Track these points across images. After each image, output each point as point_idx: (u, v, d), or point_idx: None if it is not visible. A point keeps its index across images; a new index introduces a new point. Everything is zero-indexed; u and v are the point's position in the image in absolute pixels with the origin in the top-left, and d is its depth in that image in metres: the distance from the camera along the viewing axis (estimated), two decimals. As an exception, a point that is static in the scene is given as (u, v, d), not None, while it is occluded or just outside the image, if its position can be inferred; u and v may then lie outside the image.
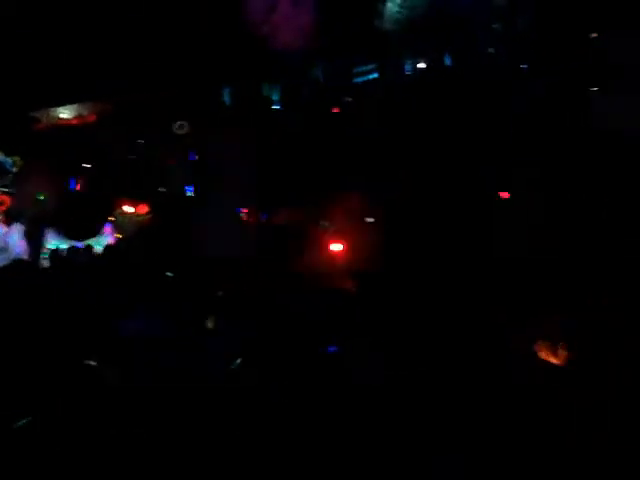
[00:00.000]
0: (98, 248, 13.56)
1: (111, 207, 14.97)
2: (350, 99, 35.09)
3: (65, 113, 46.48)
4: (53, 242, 14.02)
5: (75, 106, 45.15)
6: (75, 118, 46.01)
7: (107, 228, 14.26)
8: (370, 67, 41.58)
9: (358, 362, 5.84)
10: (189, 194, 15.87)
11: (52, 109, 45.83)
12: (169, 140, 30.75)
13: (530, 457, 4.59)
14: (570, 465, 4.49)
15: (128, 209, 14.62)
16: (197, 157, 25.09)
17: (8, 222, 14.47)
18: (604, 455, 4.33)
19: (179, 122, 35.29)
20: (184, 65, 38.16)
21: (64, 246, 13.62)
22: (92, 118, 44.43)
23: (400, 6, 41.59)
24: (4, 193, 15.02)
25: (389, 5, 42.37)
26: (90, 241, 14.03)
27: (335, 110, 31.90)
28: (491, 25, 37.18)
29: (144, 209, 14.82)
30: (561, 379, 5.35)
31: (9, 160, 15.43)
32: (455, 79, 33.64)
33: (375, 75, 41.05)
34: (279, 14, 42.29)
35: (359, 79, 40.99)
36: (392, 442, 4.80)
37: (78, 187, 15.18)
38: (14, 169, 15.37)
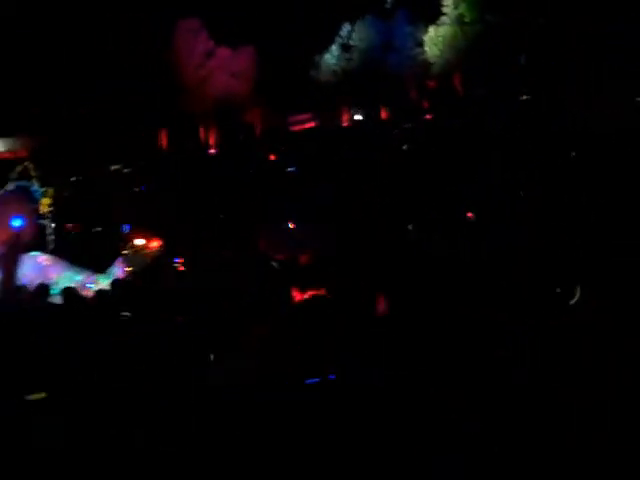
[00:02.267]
0: (106, 282, 12.87)
1: (123, 240, 14.28)
2: (283, 148, 35.24)
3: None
4: (64, 275, 13.15)
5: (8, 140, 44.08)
6: (7, 152, 44.92)
7: (118, 261, 13.56)
8: (305, 117, 42.07)
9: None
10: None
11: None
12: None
13: (528, 457, 4.40)
14: (567, 464, 4.32)
15: (139, 243, 13.95)
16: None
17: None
18: (604, 455, 4.17)
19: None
20: (123, 107, 37.90)
21: (77, 278, 12.79)
22: (22, 153, 43.50)
23: (337, 58, 42.52)
24: None
25: (326, 57, 43.28)
26: (101, 275, 13.25)
27: (271, 157, 31.83)
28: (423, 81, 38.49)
29: (155, 243, 14.16)
30: (557, 378, 5.18)
31: (40, 189, 14.55)
32: (390, 130, 34.31)
33: (311, 124, 41.53)
34: (217, 59, 42.61)
35: (296, 127, 41.33)
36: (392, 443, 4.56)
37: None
38: (42, 199, 14.51)
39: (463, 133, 24.70)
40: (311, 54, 46.18)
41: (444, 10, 35.78)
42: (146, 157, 36.35)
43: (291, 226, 15.13)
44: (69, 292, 8.98)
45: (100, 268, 13.19)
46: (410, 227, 13.61)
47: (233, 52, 45.47)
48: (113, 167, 34.24)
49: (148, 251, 13.94)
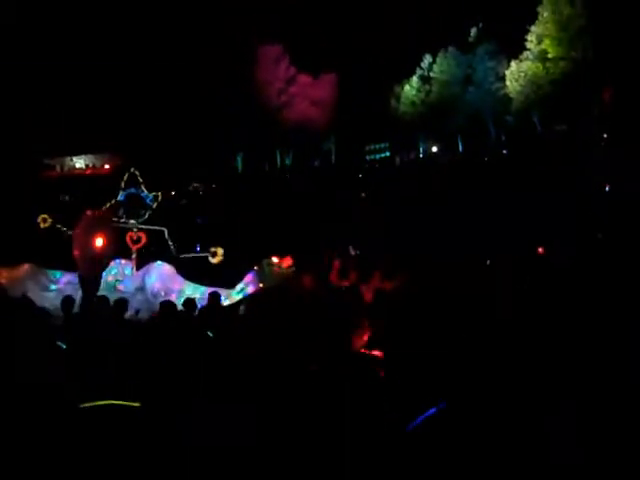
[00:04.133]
0: (238, 297, 12.91)
1: (257, 256, 14.33)
2: (360, 175, 35.30)
3: (80, 163, 47.64)
4: (187, 286, 13.26)
5: (89, 156, 46.24)
6: (88, 168, 47.06)
7: (249, 276, 13.49)
8: (382, 146, 42.23)
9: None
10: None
11: (67, 158, 47.08)
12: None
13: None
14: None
15: (274, 260, 14.00)
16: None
17: (142, 260, 13.81)
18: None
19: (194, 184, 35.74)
20: (199, 129, 39.08)
21: (201, 289, 12.92)
22: (105, 170, 45.43)
23: (417, 89, 42.52)
24: (141, 230, 14.27)
25: (406, 88, 43.35)
26: (233, 290, 13.31)
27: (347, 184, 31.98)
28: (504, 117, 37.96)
29: (288, 262, 14.16)
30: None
31: (150, 195, 14.83)
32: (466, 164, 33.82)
33: (387, 154, 41.61)
34: (298, 86, 43.39)
35: (371, 156, 41.48)
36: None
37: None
38: (154, 204, 14.80)
39: (538, 170, 24.28)
40: (391, 84, 46.60)
41: (527, 45, 35.38)
42: (224, 178, 36.99)
43: (353, 252, 14.99)
44: (190, 303, 9.20)
45: (220, 281, 13.07)
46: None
47: (314, 79, 46.37)
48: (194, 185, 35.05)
49: (282, 269, 13.81)
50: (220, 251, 13.70)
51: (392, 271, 11.64)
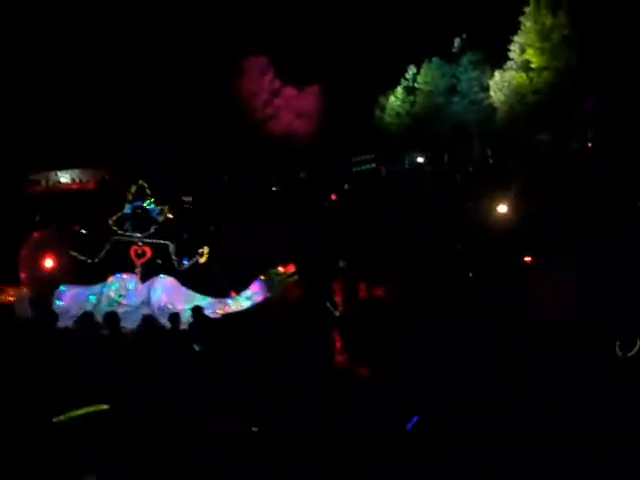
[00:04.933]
0: (246, 303, 12.77)
1: (263, 264, 14.11)
2: (347, 186, 35.12)
3: (65, 177, 47.26)
4: (192, 297, 12.97)
5: (75, 171, 45.87)
6: (74, 183, 46.69)
7: (256, 285, 13.30)
8: (368, 157, 42.14)
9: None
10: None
11: (52, 172, 46.69)
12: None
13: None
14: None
15: (280, 269, 13.85)
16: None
17: (147, 275, 13.47)
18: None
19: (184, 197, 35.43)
20: (187, 141, 38.93)
21: (207, 300, 12.67)
22: (91, 184, 45.11)
23: (402, 100, 42.64)
24: (146, 244, 13.97)
25: (391, 99, 43.47)
26: (240, 296, 13.09)
27: (333, 197, 31.68)
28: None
29: (291, 269, 14.08)
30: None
31: (157, 209, 14.54)
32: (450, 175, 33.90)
33: (372, 165, 41.53)
34: (283, 98, 43.38)
35: (356, 167, 41.36)
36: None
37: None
38: (160, 218, 14.50)
39: (525, 178, 24.40)
40: (376, 95, 46.73)
41: (510, 55, 35.59)
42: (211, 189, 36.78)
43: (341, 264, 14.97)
44: (198, 311, 9.20)
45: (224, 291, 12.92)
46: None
47: (299, 91, 46.44)
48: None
49: (286, 277, 13.72)
50: (206, 250, 13.60)
51: (376, 282, 11.71)
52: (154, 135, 38.09)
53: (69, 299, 12.61)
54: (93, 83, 38.15)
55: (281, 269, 13.91)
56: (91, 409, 4.31)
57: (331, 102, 41.98)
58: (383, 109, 43.98)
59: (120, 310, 10.97)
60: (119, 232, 13.65)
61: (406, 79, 43.04)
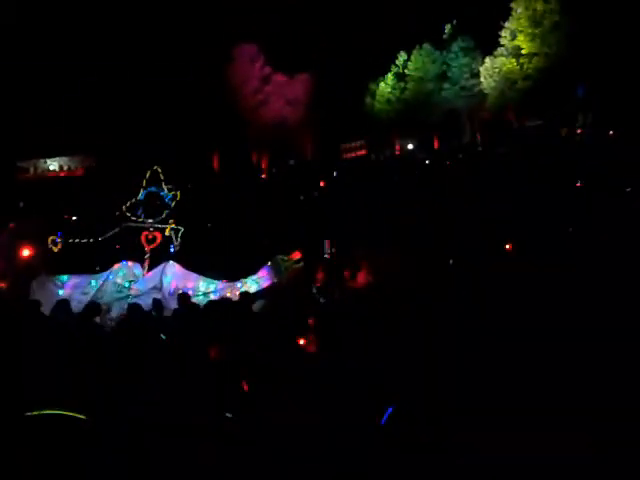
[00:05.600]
0: (253, 287, 12.70)
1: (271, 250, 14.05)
2: (336, 173, 35.08)
3: (53, 165, 46.91)
4: (202, 283, 12.89)
5: (63, 158, 45.52)
6: (62, 171, 46.36)
7: (263, 271, 13.25)
8: (358, 143, 42.11)
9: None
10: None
11: (41, 160, 46.33)
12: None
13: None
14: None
15: (289, 256, 13.80)
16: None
17: (155, 260, 13.32)
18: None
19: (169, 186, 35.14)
20: (176, 130, 38.67)
21: (214, 284, 12.62)
22: (79, 172, 44.81)
23: (392, 87, 42.46)
24: (157, 229, 13.82)
25: (381, 85, 43.28)
26: (248, 278, 12.99)
27: (321, 184, 31.61)
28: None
29: (297, 255, 13.97)
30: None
31: (170, 194, 14.40)
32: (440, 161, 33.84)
33: (363, 152, 41.49)
34: (273, 85, 43.08)
35: (347, 154, 41.30)
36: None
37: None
38: (172, 203, 14.39)
39: (514, 165, 24.36)
40: (366, 82, 46.51)
41: (501, 42, 35.47)
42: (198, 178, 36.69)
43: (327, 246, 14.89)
44: (184, 298, 9.26)
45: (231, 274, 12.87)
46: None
47: (289, 79, 46.13)
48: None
49: (292, 264, 13.67)
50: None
51: (359, 270, 11.67)
52: (148, 127, 37.84)
53: (70, 288, 12.58)
54: (93, 83, 37.97)
55: (289, 255, 13.92)
56: (68, 413, 4.20)
57: (321, 89, 41.68)
58: (373, 96, 43.78)
59: (131, 294, 11.05)
60: (132, 218, 13.63)
61: (396, 65, 42.87)
